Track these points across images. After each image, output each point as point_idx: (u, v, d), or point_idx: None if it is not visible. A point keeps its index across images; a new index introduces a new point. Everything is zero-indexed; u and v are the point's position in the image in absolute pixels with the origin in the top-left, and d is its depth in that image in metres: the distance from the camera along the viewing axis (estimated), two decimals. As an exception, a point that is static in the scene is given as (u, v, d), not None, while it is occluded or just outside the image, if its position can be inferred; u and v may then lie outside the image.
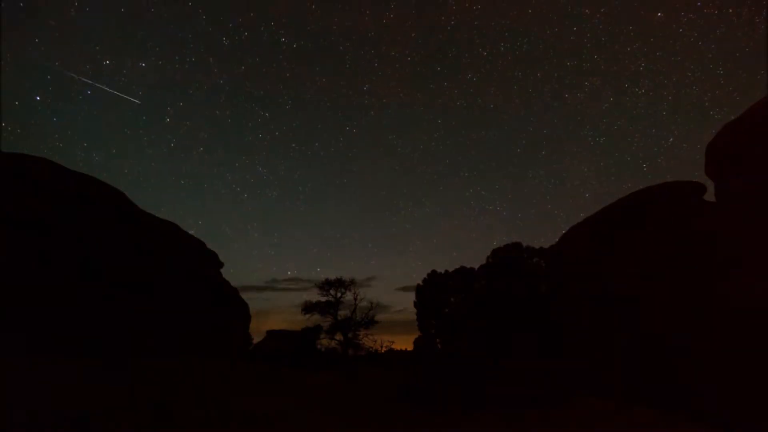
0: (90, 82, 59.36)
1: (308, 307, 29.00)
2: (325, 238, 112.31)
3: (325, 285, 29.17)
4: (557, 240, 27.36)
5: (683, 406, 14.53)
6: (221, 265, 32.73)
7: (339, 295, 28.97)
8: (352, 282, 29.25)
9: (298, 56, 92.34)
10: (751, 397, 12.92)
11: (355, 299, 28.75)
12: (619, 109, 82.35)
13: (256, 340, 35.59)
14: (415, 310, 34.26)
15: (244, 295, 35.45)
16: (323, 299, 29.00)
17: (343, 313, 28.90)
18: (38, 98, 66.92)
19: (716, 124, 17.89)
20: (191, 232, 31.14)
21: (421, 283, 34.23)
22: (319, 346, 29.92)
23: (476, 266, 31.87)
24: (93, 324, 18.62)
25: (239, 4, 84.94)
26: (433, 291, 32.78)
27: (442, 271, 33.61)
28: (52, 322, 17.16)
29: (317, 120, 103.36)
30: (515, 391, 14.54)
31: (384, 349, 29.69)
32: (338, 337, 28.98)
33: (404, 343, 48.76)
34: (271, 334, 35.77)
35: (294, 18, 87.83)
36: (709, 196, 19.66)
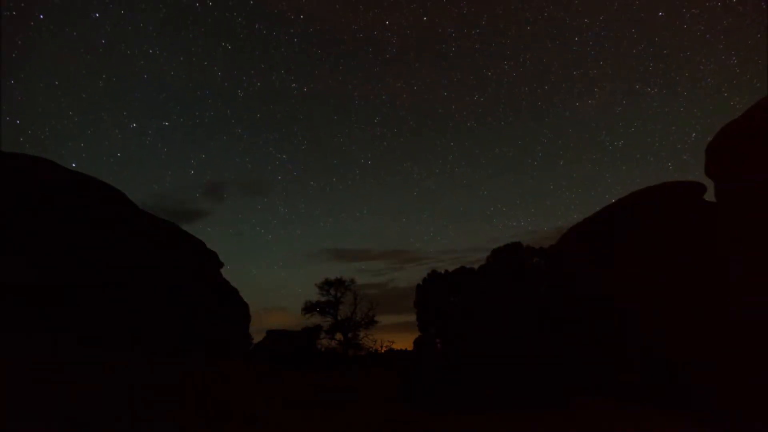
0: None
1: (308, 307, 28.99)
2: (351, 270, 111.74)
3: (325, 285, 29.16)
4: (557, 240, 27.37)
5: (683, 406, 14.53)
6: (221, 264, 32.73)
7: (339, 295, 28.97)
8: (353, 282, 29.25)
9: (308, 98, 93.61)
10: (751, 397, 12.92)
11: (355, 299, 28.76)
12: (633, 111, 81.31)
13: (256, 340, 35.55)
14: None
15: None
16: (323, 299, 29.01)
17: (343, 313, 28.92)
18: (74, 165, 69.71)
19: (739, 113, 17.68)
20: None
21: (421, 282, 34.17)
22: (319, 346, 29.88)
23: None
24: (93, 324, 18.61)
25: (250, 58, 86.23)
26: (433, 291, 32.72)
27: (442, 271, 33.55)
28: (52, 322, 17.15)
29: (332, 156, 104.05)
30: (515, 391, 14.52)
31: (384, 349, 29.68)
32: (338, 337, 28.97)
33: (404, 343, 48.77)
34: (271, 334, 35.65)
35: (301, 63, 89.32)
36: (709, 196, 19.67)
